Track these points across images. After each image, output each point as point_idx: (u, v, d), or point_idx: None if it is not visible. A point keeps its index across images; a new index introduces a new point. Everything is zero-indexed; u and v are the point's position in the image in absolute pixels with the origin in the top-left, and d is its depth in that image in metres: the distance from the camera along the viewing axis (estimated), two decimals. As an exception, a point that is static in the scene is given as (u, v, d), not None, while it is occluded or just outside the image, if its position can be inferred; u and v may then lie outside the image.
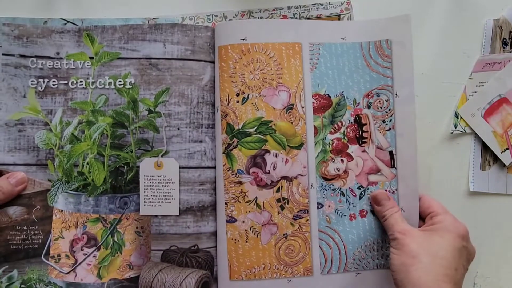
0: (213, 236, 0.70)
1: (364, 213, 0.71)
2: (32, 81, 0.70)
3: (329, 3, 0.75)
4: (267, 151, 0.69)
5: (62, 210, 0.70)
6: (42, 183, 0.70)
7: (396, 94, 0.71)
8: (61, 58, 0.71)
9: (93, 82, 0.71)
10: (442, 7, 0.76)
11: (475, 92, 0.75)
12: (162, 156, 0.70)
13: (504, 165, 0.76)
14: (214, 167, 0.70)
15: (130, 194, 0.71)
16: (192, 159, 0.70)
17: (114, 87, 0.71)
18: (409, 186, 0.71)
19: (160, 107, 0.71)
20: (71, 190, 0.70)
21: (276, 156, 0.69)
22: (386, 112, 0.71)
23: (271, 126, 0.69)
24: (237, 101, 0.69)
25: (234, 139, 0.69)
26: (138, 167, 0.70)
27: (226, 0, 0.76)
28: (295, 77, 0.70)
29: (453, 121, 0.76)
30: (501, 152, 0.75)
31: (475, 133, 0.76)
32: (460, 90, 0.76)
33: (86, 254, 0.70)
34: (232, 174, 0.69)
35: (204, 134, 0.70)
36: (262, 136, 0.69)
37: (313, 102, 0.70)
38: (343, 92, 0.71)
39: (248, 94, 0.69)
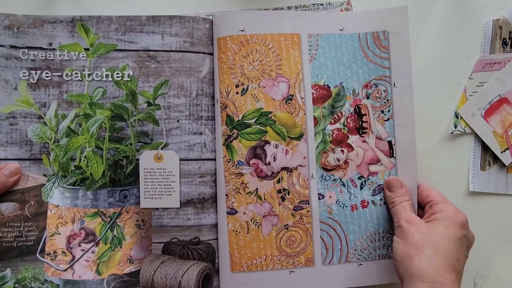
0: (214, 228, 0.69)
1: (366, 204, 0.70)
2: (23, 73, 0.68)
3: (329, 3, 0.75)
4: (267, 142, 0.69)
5: (57, 205, 0.68)
6: (36, 178, 0.68)
7: (394, 85, 0.71)
8: (54, 49, 0.69)
9: (89, 74, 0.69)
10: (442, 7, 0.77)
11: (475, 92, 0.75)
12: (162, 148, 0.69)
13: (504, 165, 0.76)
14: (214, 159, 0.70)
15: (130, 187, 0.69)
16: (192, 151, 0.69)
17: (111, 79, 0.70)
18: (408, 175, 0.71)
19: (159, 100, 0.70)
20: (67, 185, 0.68)
21: (276, 147, 0.69)
22: (385, 102, 0.71)
23: (271, 117, 0.69)
24: (237, 93, 0.69)
25: (234, 130, 0.69)
26: (138, 160, 0.69)
27: (226, 0, 0.76)
28: (294, 68, 0.70)
29: (453, 121, 0.76)
30: (501, 152, 0.75)
31: (475, 133, 0.76)
32: (460, 90, 0.76)
33: (84, 250, 0.68)
34: (233, 166, 0.68)
35: (203, 126, 0.70)
36: (262, 127, 0.69)
37: (312, 93, 0.70)
38: (342, 82, 0.71)
39: (248, 85, 0.69)
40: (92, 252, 0.68)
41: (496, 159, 0.76)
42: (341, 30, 0.71)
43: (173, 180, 0.69)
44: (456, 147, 0.76)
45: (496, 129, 0.75)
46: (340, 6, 0.75)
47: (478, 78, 0.75)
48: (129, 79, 0.70)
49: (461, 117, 0.75)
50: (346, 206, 0.70)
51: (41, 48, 0.69)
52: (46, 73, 0.69)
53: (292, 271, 0.69)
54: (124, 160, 0.70)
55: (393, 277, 0.70)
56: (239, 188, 0.68)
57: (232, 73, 0.69)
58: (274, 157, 0.69)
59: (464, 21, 0.77)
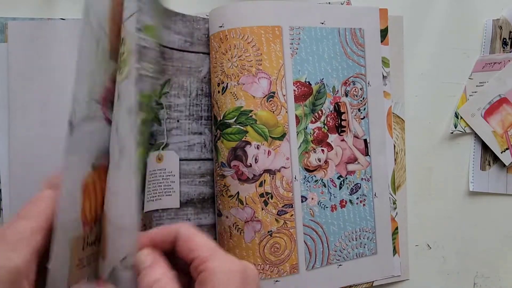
0: (213, 229, 0.67)
1: (344, 203, 0.69)
2: None
3: (329, 3, 0.75)
4: (248, 143, 0.63)
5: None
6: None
7: (369, 83, 0.71)
8: None
9: None
10: (442, 7, 0.76)
11: (475, 92, 0.75)
12: (162, 149, 0.65)
13: (504, 165, 0.76)
14: (213, 159, 0.67)
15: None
16: (192, 151, 0.66)
17: None
18: (380, 172, 0.71)
19: (162, 99, 0.65)
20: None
21: (257, 148, 0.64)
22: (361, 100, 0.70)
23: (251, 116, 0.64)
24: (218, 92, 0.65)
25: (218, 130, 0.65)
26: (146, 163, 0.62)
27: (227, 1, 0.76)
28: (275, 63, 0.65)
29: (453, 121, 0.76)
30: (501, 152, 0.75)
31: (475, 133, 0.76)
32: (460, 90, 0.76)
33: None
34: (218, 167, 0.65)
35: (203, 126, 0.67)
36: (242, 127, 0.63)
37: (294, 90, 0.66)
38: (323, 79, 0.68)
39: (227, 83, 0.64)
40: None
41: (496, 159, 0.76)
42: (323, 23, 0.68)
43: (173, 181, 0.65)
44: (456, 147, 0.76)
45: (496, 129, 0.75)
46: (340, 6, 0.75)
47: (478, 78, 0.75)
48: None
49: (461, 117, 0.75)
50: (327, 207, 0.68)
51: None
52: None
53: (277, 281, 0.65)
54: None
55: (371, 275, 0.70)
56: (222, 191, 0.65)
57: (215, 72, 0.65)
58: (256, 159, 0.64)
59: (464, 21, 0.76)
